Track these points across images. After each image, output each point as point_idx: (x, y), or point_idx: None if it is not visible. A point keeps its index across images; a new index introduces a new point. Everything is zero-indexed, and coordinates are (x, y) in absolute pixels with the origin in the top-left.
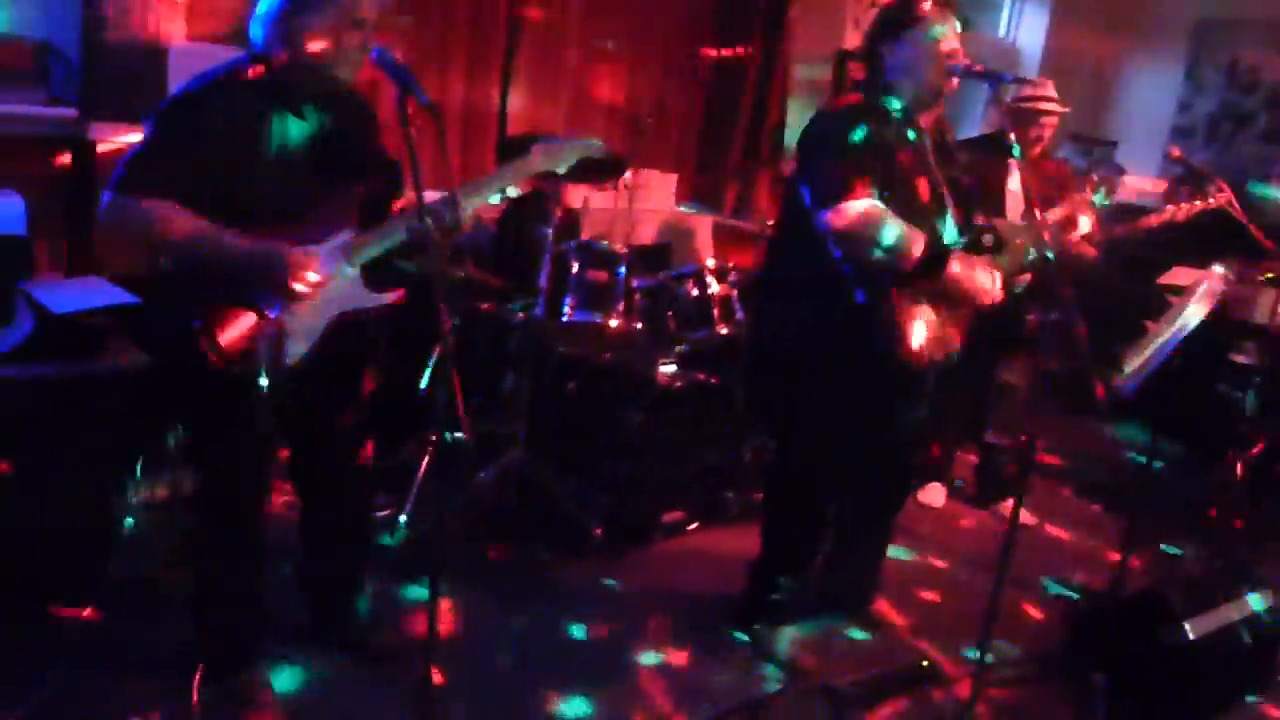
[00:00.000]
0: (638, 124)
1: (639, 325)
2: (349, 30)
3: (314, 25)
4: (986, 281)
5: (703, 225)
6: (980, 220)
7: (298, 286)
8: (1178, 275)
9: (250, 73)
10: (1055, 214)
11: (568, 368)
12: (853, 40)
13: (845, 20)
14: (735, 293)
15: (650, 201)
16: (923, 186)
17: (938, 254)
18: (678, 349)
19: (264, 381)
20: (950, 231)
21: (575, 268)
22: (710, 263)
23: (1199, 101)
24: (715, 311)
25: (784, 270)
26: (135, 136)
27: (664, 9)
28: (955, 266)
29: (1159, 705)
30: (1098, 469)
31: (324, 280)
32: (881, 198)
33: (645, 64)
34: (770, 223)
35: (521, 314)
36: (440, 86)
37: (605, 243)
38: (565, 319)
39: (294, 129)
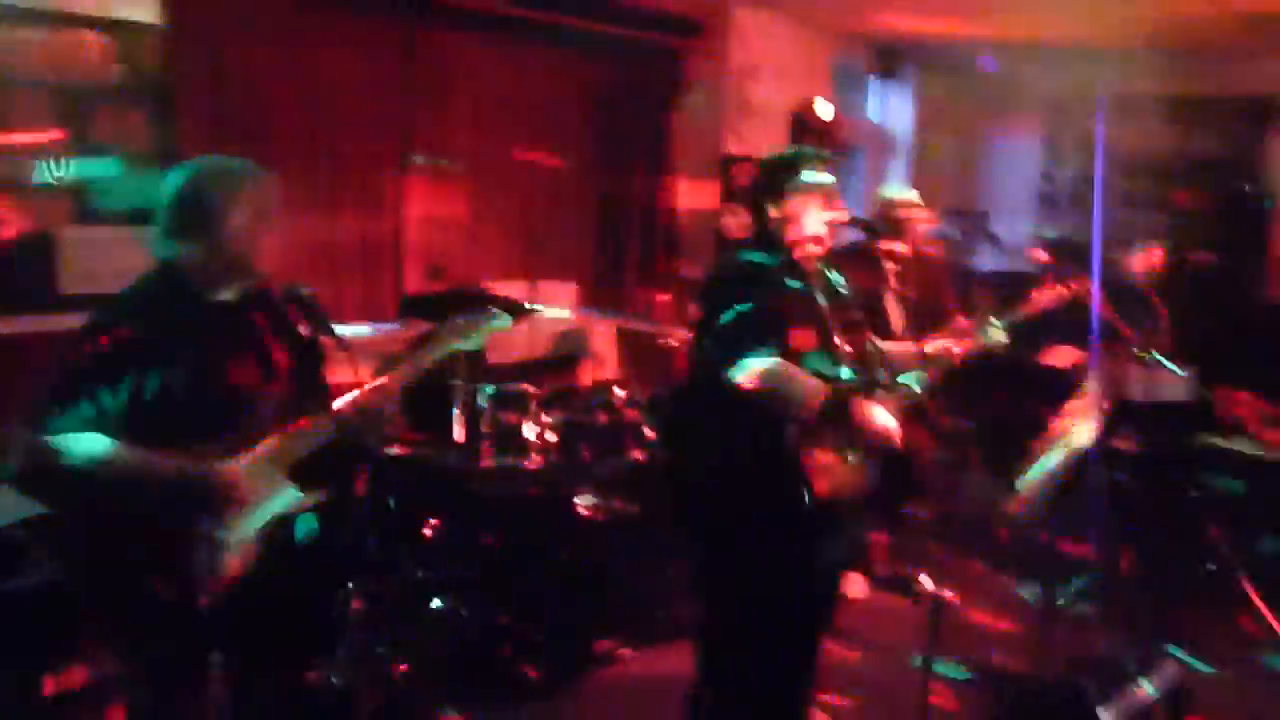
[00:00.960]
0: (535, 241)
1: (555, 460)
2: (262, 222)
3: (227, 225)
4: (889, 423)
5: (605, 331)
6: (871, 352)
7: (228, 502)
8: (1054, 354)
9: (162, 288)
10: (936, 345)
11: (489, 510)
12: (734, 146)
13: (724, 128)
14: (644, 416)
15: (552, 312)
16: (816, 332)
17: (840, 401)
18: (595, 478)
19: (201, 598)
20: (845, 371)
21: (487, 412)
22: (620, 391)
23: (1060, 172)
24: (627, 437)
25: (696, 419)
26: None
27: (550, 123)
28: (858, 412)
29: None
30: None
31: (254, 490)
32: (780, 349)
33: (536, 178)
34: (670, 330)
35: (436, 459)
36: (332, 221)
37: (514, 386)
38: (482, 463)
39: (212, 340)
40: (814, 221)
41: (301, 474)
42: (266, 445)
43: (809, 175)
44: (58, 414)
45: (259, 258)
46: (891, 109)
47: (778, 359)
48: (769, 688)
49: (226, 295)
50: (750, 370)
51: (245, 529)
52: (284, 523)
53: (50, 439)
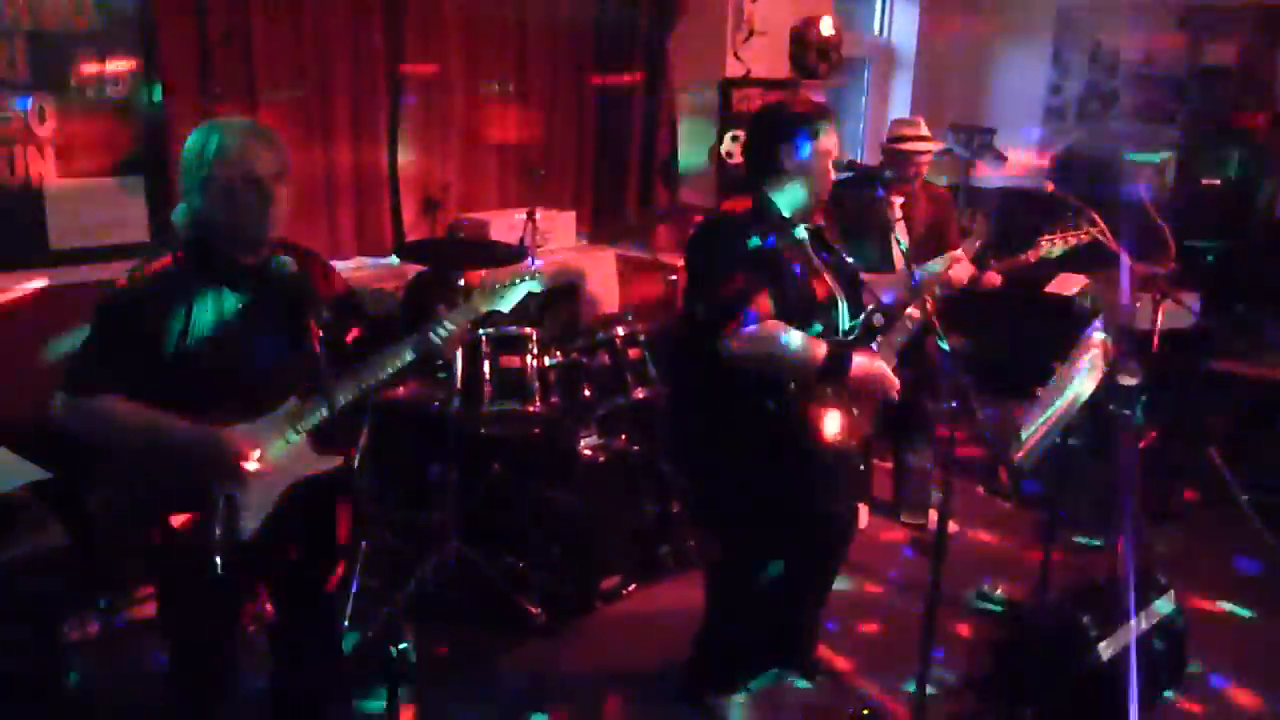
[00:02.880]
0: (533, 174)
1: (556, 401)
2: (246, 191)
3: (210, 198)
4: (886, 376)
5: (606, 259)
6: (868, 302)
7: (246, 466)
8: (1060, 282)
9: (174, 259)
10: (932, 268)
11: (492, 452)
12: (733, 69)
13: (725, 51)
14: (646, 353)
15: (552, 241)
16: (814, 284)
17: (839, 356)
18: (597, 417)
19: (218, 560)
20: (844, 318)
21: (487, 355)
22: (621, 330)
23: (1067, 84)
24: (629, 377)
25: (693, 379)
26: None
27: (546, 47)
28: (857, 364)
29: None
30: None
31: (270, 454)
32: (775, 305)
33: (532, 105)
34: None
35: (439, 404)
36: (325, 155)
37: (514, 327)
38: (484, 407)
39: (228, 304)
40: (821, 170)
41: (322, 436)
42: (285, 407)
43: (817, 133)
44: (83, 375)
45: (262, 220)
46: (897, 21)
47: (771, 321)
48: (776, 619)
49: (249, 258)
50: (742, 337)
51: (265, 492)
52: (308, 482)
53: (74, 399)
